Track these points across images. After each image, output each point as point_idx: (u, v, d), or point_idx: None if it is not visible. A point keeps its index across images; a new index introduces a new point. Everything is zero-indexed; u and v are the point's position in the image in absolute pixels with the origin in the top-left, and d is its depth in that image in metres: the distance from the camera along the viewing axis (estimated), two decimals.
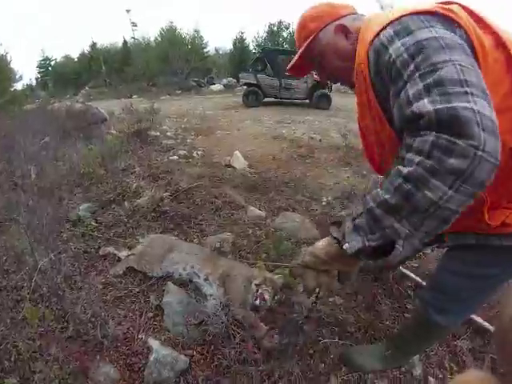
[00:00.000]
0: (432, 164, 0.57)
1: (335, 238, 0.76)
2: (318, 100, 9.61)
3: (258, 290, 1.28)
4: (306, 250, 0.85)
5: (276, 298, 1.36)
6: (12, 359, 1.15)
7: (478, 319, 1.37)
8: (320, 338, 1.28)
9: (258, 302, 1.26)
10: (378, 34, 0.70)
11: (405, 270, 1.56)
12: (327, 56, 0.91)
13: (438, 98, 0.58)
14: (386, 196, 0.63)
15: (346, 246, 0.70)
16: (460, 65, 0.60)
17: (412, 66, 0.63)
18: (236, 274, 1.44)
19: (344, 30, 0.87)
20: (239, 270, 1.50)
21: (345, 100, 9.79)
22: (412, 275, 1.55)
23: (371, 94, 0.75)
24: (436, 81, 0.59)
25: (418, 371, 1.24)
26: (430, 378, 1.23)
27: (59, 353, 1.13)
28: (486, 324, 1.36)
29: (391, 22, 0.69)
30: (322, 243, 0.80)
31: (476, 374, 0.60)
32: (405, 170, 0.60)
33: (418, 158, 0.58)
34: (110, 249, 1.82)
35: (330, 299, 1.44)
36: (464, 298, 0.98)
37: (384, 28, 0.69)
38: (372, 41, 0.71)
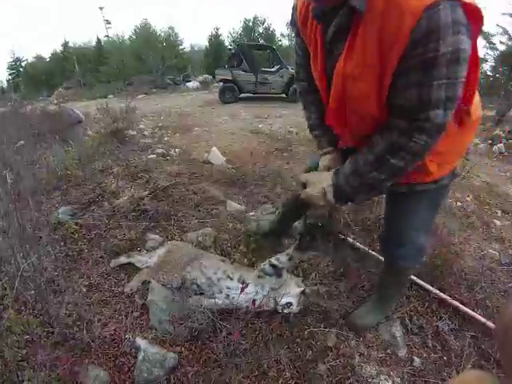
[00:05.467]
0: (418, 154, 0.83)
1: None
2: (295, 94, 9.67)
3: None
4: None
5: None
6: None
7: (455, 302, 1.45)
8: (306, 327, 1.32)
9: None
10: (436, 2, 0.67)
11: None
12: None
13: (446, 113, 0.75)
14: (384, 174, 0.88)
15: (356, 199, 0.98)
16: (462, 80, 0.74)
17: (444, 71, 0.71)
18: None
19: None
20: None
21: None
22: None
23: (399, 47, 0.71)
24: (452, 97, 0.74)
25: (403, 352, 1.31)
26: (415, 358, 1.30)
27: (46, 359, 1.11)
28: (461, 306, 1.45)
29: (452, 4, 0.67)
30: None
31: (476, 374, 0.61)
32: (401, 163, 0.84)
33: (408, 155, 0.82)
34: (123, 259, 1.75)
35: (314, 287, 1.48)
36: (419, 232, 1.16)
37: (437, 2, 0.67)
38: (427, 8, 0.67)
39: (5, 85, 27.68)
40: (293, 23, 1.07)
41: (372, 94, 0.82)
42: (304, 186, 1.06)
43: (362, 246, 1.71)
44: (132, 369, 1.23)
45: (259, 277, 1.47)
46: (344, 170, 0.96)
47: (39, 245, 1.78)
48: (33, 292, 1.37)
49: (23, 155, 2.82)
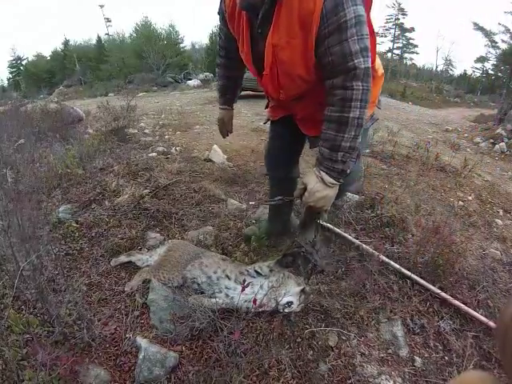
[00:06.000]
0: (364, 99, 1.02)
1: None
2: None
3: None
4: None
5: None
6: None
7: (457, 302, 1.44)
8: (307, 326, 1.31)
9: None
10: None
11: (389, 260, 1.61)
12: None
13: (364, 59, 0.97)
14: (352, 134, 1.05)
15: (349, 169, 1.11)
16: (367, 35, 0.99)
17: (354, 30, 0.96)
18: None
19: None
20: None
21: None
22: (392, 263, 1.62)
23: (315, 21, 0.96)
24: (365, 47, 0.98)
25: (404, 352, 1.30)
26: (416, 358, 1.28)
27: (47, 358, 1.11)
28: (463, 306, 1.44)
29: None
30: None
31: (476, 374, 0.62)
32: (356, 113, 1.02)
33: (358, 103, 1.01)
34: (123, 258, 1.75)
35: (315, 287, 1.48)
36: None
37: None
38: None
39: (5, 83, 27.74)
40: (220, 12, 1.32)
41: (298, 58, 1.05)
42: (304, 190, 1.19)
43: (364, 245, 1.70)
44: (132, 368, 1.23)
45: (240, 273, 1.48)
46: (323, 153, 1.12)
47: (39, 244, 1.78)
48: (33, 291, 1.37)
49: (24, 154, 2.82)
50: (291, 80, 1.14)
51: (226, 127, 1.84)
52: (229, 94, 1.72)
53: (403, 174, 3.28)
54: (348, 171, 1.11)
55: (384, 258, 1.59)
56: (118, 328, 1.38)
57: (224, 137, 1.92)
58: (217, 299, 1.38)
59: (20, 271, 1.21)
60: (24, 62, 27.94)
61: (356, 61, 0.97)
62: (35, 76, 23.97)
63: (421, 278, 1.51)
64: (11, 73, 28.68)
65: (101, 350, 1.28)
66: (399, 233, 1.92)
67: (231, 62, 1.55)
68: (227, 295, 1.40)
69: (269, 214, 1.97)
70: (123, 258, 1.75)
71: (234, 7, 1.16)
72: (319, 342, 1.26)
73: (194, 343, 1.29)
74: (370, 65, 0.99)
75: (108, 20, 24.68)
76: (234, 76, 1.66)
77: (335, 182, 1.12)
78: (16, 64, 28.49)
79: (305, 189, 1.17)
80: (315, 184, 1.13)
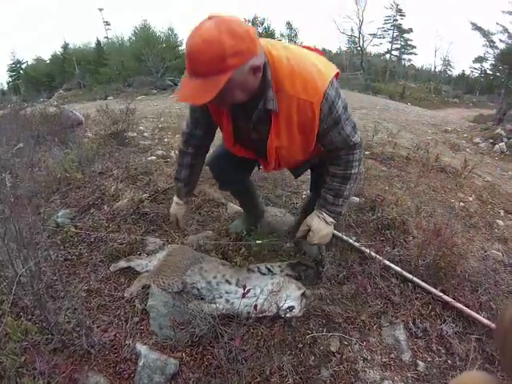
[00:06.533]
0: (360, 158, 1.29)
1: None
2: None
3: None
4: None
5: None
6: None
7: (459, 305, 1.43)
8: (308, 332, 1.30)
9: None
10: (327, 90, 1.06)
11: (391, 264, 1.60)
12: (232, 90, 0.95)
13: (357, 135, 1.22)
14: (352, 185, 1.31)
15: (344, 211, 1.37)
16: (349, 113, 1.20)
17: (344, 117, 1.15)
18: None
19: (255, 70, 0.94)
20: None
21: None
22: (393, 266, 1.60)
23: (316, 125, 1.12)
24: (353, 125, 1.20)
25: (406, 356, 1.28)
26: (419, 362, 1.27)
27: (45, 367, 1.10)
28: (465, 309, 1.43)
29: (331, 83, 1.07)
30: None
31: (476, 375, 0.62)
32: (356, 170, 1.28)
33: (357, 162, 1.27)
34: (123, 263, 1.73)
35: (316, 291, 1.46)
36: None
37: (327, 89, 1.06)
38: (324, 95, 1.06)
39: (5, 87, 27.79)
40: (198, 110, 1.30)
41: (298, 151, 1.25)
42: (307, 231, 1.38)
43: (365, 249, 1.69)
44: (132, 375, 1.21)
45: (249, 270, 1.50)
46: (327, 199, 1.33)
47: (38, 249, 1.77)
48: (31, 298, 1.35)
49: (22, 158, 2.81)
50: (291, 163, 1.40)
51: (179, 224, 1.64)
52: (190, 185, 1.56)
53: (403, 175, 3.27)
54: (343, 212, 1.38)
55: (385, 262, 1.58)
56: (117, 335, 1.36)
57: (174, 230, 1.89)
58: (217, 305, 1.37)
59: (18, 277, 1.20)
60: (23, 66, 28.00)
61: (353, 139, 1.20)
62: (35, 80, 23.96)
63: (422, 280, 1.50)
64: (11, 76, 28.72)
65: (100, 357, 1.27)
66: (400, 235, 1.91)
67: (201, 150, 1.48)
68: (227, 300, 1.39)
69: (243, 212, 2.04)
70: (122, 264, 1.73)
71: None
72: (321, 348, 1.24)
73: (194, 350, 1.27)
74: (359, 136, 1.23)
75: (107, 23, 24.73)
76: (200, 163, 1.54)
77: (334, 222, 1.36)
78: (15, 68, 28.53)
79: (308, 230, 1.37)
80: (318, 224, 1.34)
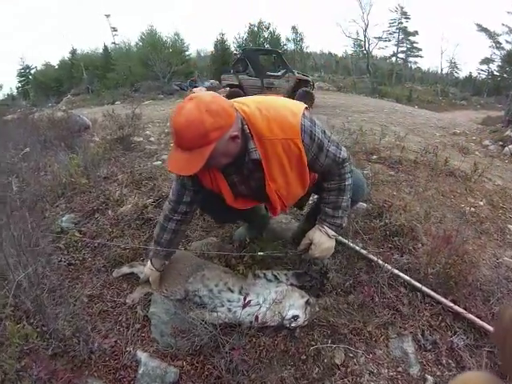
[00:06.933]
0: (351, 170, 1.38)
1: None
2: (301, 98, 9.64)
3: None
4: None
5: None
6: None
7: (470, 316, 1.37)
8: (312, 343, 1.26)
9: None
10: (302, 123, 1.15)
11: (399, 272, 1.55)
12: (217, 158, 1.09)
13: (342, 151, 1.30)
14: (348, 196, 1.37)
15: (344, 223, 1.42)
16: (328, 131, 1.29)
17: (325, 140, 1.23)
18: None
19: (235, 138, 1.07)
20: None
21: (327, 97, 9.83)
22: (402, 274, 1.55)
23: (304, 157, 1.19)
24: (336, 143, 1.28)
25: (415, 370, 1.22)
26: (428, 377, 1.20)
27: (43, 372, 1.08)
28: (477, 320, 1.37)
29: (303, 116, 1.17)
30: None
31: (476, 375, 0.61)
32: (349, 181, 1.36)
33: (349, 174, 1.35)
34: (125, 269, 1.71)
35: (321, 301, 1.42)
36: None
37: (301, 121, 1.16)
38: (300, 128, 1.15)
39: (15, 92, 28.41)
40: (187, 178, 1.33)
41: (297, 186, 1.30)
42: (309, 244, 1.41)
43: (372, 257, 1.64)
44: (132, 382, 1.20)
45: (255, 275, 1.48)
46: (326, 213, 1.38)
47: (39, 255, 1.77)
48: (32, 304, 1.34)
49: (29, 162, 2.83)
50: (294, 199, 1.42)
51: (153, 286, 1.55)
52: (168, 252, 1.50)
53: (411, 180, 3.20)
54: (344, 225, 1.42)
55: (394, 271, 1.53)
56: (118, 341, 1.35)
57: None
58: (218, 313, 1.34)
59: (15, 283, 1.19)
60: (32, 71, 28.60)
61: (340, 156, 1.28)
62: (43, 85, 24.41)
63: (432, 290, 1.44)
64: (20, 81, 29.36)
65: (100, 363, 1.26)
66: (408, 242, 1.85)
67: (187, 217, 1.47)
68: (229, 309, 1.36)
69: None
70: (125, 269, 1.72)
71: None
72: (325, 360, 1.20)
73: (195, 359, 1.25)
74: (345, 151, 1.31)
75: (114, 29, 25.14)
76: (184, 230, 1.56)
77: (335, 234, 1.40)
78: (25, 73, 29.18)
79: (310, 243, 1.39)
80: (320, 237, 1.37)
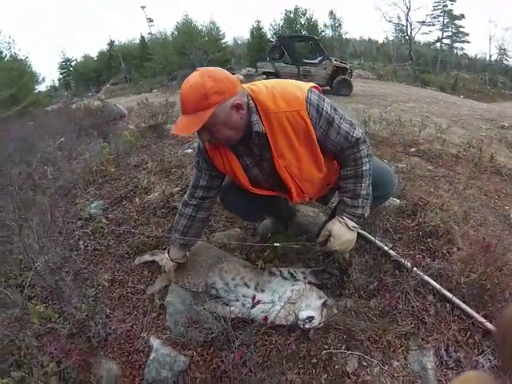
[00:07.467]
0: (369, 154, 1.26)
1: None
2: (339, 86, 9.31)
3: None
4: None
5: None
6: (22, 354, 1.19)
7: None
8: (325, 347, 1.20)
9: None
10: (307, 96, 1.13)
11: (428, 279, 1.42)
12: (218, 126, 1.10)
13: (356, 130, 1.21)
14: (368, 183, 1.27)
15: (367, 213, 1.30)
16: (341, 112, 1.23)
17: (337, 116, 1.18)
18: None
19: (238, 107, 1.09)
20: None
21: (366, 85, 9.38)
22: (432, 281, 1.43)
23: (311, 130, 1.15)
24: (350, 122, 1.21)
25: None
26: None
27: (60, 350, 1.15)
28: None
29: (309, 90, 1.15)
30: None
31: (476, 375, 0.62)
32: (367, 166, 1.25)
33: (366, 158, 1.24)
34: (147, 257, 1.75)
35: (340, 303, 1.35)
36: None
37: (307, 94, 1.13)
38: (306, 100, 1.12)
39: (57, 83, 30.52)
40: (203, 161, 1.35)
41: (311, 166, 1.25)
42: (328, 236, 1.32)
43: (400, 259, 1.52)
44: (143, 366, 1.25)
45: (270, 273, 1.44)
46: (345, 202, 1.29)
47: (71, 238, 1.86)
48: (58, 285, 1.42)
49: (64, 151, 2.99)
50: (312, 184, 1.33)
51: (170, 277, 1.56)
52: (185, 240, 1.47)
53: (451, 176, 2.95)
54: (366, 215, 1.31)
55: (425, 277, 1.40)
56: (134, 326, 1.40)
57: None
58: (232, 307, 1.33)
59: (34, 268, 1.26)
60: (73, 63, 30.50)
61: (354, 134, 1.20)
62: (83, 75, 25.89)
63: (463, 301, 1.30)
64: (61, 73, 31.49)
65: (116, 346, 1.32)
66: (443, 245, 1.67)
67: (204, 203, 1.44)
68: (244, 305, 1.34)
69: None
70: (147, 257, 1.75)
71: (214, 148, 1.28)
72: (336, 366, 1.13)
73: (205, 350, 1.26)
74: (360, 131, 1.23)
75: (150, 20, 25.75)
76: (200, 220, 1.47)
77: (357, 226, 1.31)
78: (65, 65, 31.22)
79: (329, 235, 1.31)
80: (340, 229, 1.29)
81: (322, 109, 1.15)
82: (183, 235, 1.46)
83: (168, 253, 1.51)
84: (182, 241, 1.47)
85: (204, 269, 1.54)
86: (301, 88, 1.16)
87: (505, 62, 32.65)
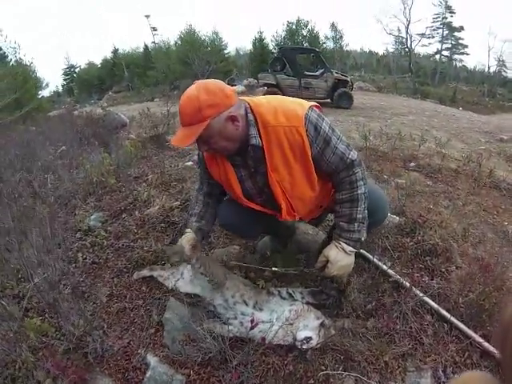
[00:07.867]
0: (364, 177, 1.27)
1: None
2: (339, 99, 9.39)
3: None
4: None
5: None
6: (17, 367, 1.18)
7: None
8: (322, 367, 1.19)
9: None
10: (307, 113, 1.15)
11: (427, 299, 1.42)
12: (215, 137, 1.12)
13: (352, 152, 1.22)
14: (363, 206, 1.26)
15: (363, 237, 1.30)
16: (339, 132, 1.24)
17: (334, 136, 1.19)
18: None
19: (233, 119, 1.11)
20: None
21: (367, 98, 9.47)
22: (431, 302, 1.42)
23: (307, 147, 1.16)
24: (346, 143, 1.23)
25: None
26: None
27: (56, 367, 1.14)
28: None
29: (310, 108, 1.18)
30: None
31: (476, 375, 0.62)
32: (362, 189, 1.25)
33: (361, 181, 1.25)
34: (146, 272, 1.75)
35: (338, 323, 1.35)
36: None
37: (307, 112, 1.16)
38: (305, 117, 1.15)
39: (60, 89, 30.92)
40: (202, 167, 1.42)
41: (304, 183, 1.24)
42: (325, 262, 1.32)
43: (399, 279, 1.51)
44: None
45: (269, 292, 1.43)
46: (341, 227, 1.29)
47: (69, 251, 1.86)
48: (55, 298, 1.42)
49: (65, 160, 3.00)
50: (303, 203, 1.33)
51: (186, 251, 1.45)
52: (202, 223, 1.48)
53: (451, 191, 2.96)
54: (363, 239, 1.30)
55: (425, 299, 1.40)
56: (131, 342, 1.38)
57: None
58: (231, 327, 1.32)
59: (33, 284, 1.26)
60: (77, 70, 30.95)
61: (349, 156, 1.21)
62: (86, 82, 26.16)
63: (461, 321, 1.30)
64: (65, 80, 31.96)
65: (112, 362, 1.30)
66: (441, 264, 1.67)
67: (215, 191, 1.49)
68: (242, 323, 1.33)
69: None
70: (145, 272, 1.74)
71: (211, 162, 1.32)
72: None
73: (202, 369, 1.24)
74: (355, 153, 1.24)
75: (154, 29, 26.13)
76: (213, 206, 1.51)
77: (354, 250, 1.30)
78: (69, 72, 31.69)
79: (326, 261, 1.31)
80: (337, 255, 1.29)
81: (321, 127, 1.16)
82: (199, 219, 1.49)
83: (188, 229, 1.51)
84: (199, 224, 1.48)
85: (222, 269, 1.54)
86: (302, 105, 1.19)
87: (503, 73, 33.04)
